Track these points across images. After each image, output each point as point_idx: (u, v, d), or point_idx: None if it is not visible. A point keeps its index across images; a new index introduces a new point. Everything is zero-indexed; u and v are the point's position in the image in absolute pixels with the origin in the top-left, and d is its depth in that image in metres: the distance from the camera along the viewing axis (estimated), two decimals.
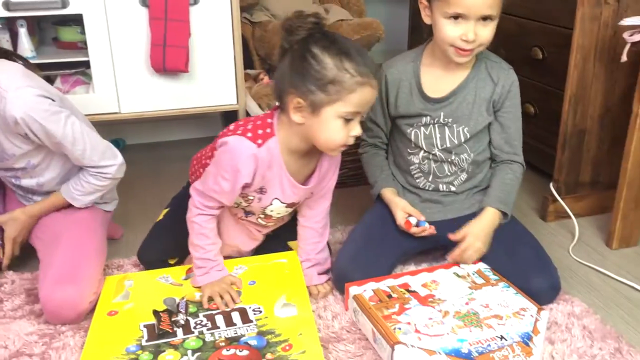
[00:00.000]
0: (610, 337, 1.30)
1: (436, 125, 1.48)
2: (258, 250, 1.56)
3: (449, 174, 1.52)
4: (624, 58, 1.53)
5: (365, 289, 1.36)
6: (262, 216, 1.46)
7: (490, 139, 1.51)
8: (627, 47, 1.52)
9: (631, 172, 1.61)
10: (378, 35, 2.53)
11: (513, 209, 1.48)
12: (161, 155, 2.38)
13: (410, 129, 1.50)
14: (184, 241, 1.43)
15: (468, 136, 1.47)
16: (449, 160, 1.50)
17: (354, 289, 1.36)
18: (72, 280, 1.34)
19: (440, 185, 1.53)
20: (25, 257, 1.60)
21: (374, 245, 1.48)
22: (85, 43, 1.92)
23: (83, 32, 1.91)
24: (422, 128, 1.49)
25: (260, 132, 1.29)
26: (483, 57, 1.47)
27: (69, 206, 1.51)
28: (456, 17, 1.32)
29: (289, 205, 1.42)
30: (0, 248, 1.51)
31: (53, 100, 1.38)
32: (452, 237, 1.44)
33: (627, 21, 1.50)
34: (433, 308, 1.30)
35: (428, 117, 1.47)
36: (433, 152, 1.50)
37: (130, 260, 1.60)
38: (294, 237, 1.53)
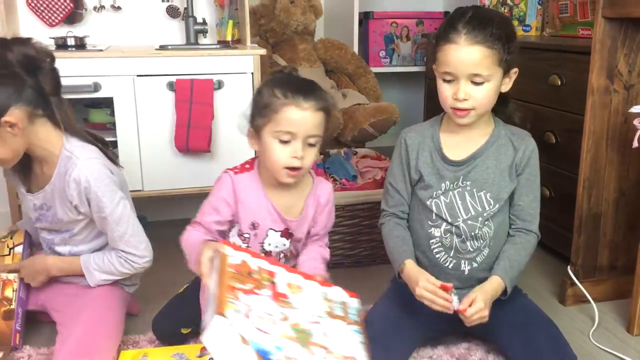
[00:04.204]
0: None
1: (456, 192, 1.46)
2: None
3: (471, 249, 1.47)
4: (635, 144, 1.56)
5: (235, 255, 1.26)
6: (263, 255, 1.49)
7: (510, 205, 1.50)
8: (638, 133, 1.55)
9: None
10: (394, 118, 2.61)
11: (530, 292, 1.46)
12: (181, 233, 2.41)
13: (430, 199, 1.47)
14: (199, 312, 1.44)
15: (492, 203, 1.45)
16: (473, 234, 1.45)
17: (228, 249, 1.26)
18: (86, 354, 1.36)
19: (462, 262, 1.48)
20: (43, 332, 1.62)
21: (391, 332, 1.44)
22: (113, 124, 2.01)
23: (112, 114, 2.00)
24: (442, 197, 1.46)
25: (239, 166, 1.47)
26: (503, 125, 1.50)
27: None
28: (448, 78, 1.39)
29: (284, 235, 1.47)
30: (17, 333, 1.53)
31: (115, 181, 1.49)
32: (462, 308, 1.35)
33: (636, 109, 1.54)
34: (278, 307, 1.20)
35: (447, 182, 1.46)
36: (456, 224, 1.45)
37: (146, 337, 1.60)
38: None
